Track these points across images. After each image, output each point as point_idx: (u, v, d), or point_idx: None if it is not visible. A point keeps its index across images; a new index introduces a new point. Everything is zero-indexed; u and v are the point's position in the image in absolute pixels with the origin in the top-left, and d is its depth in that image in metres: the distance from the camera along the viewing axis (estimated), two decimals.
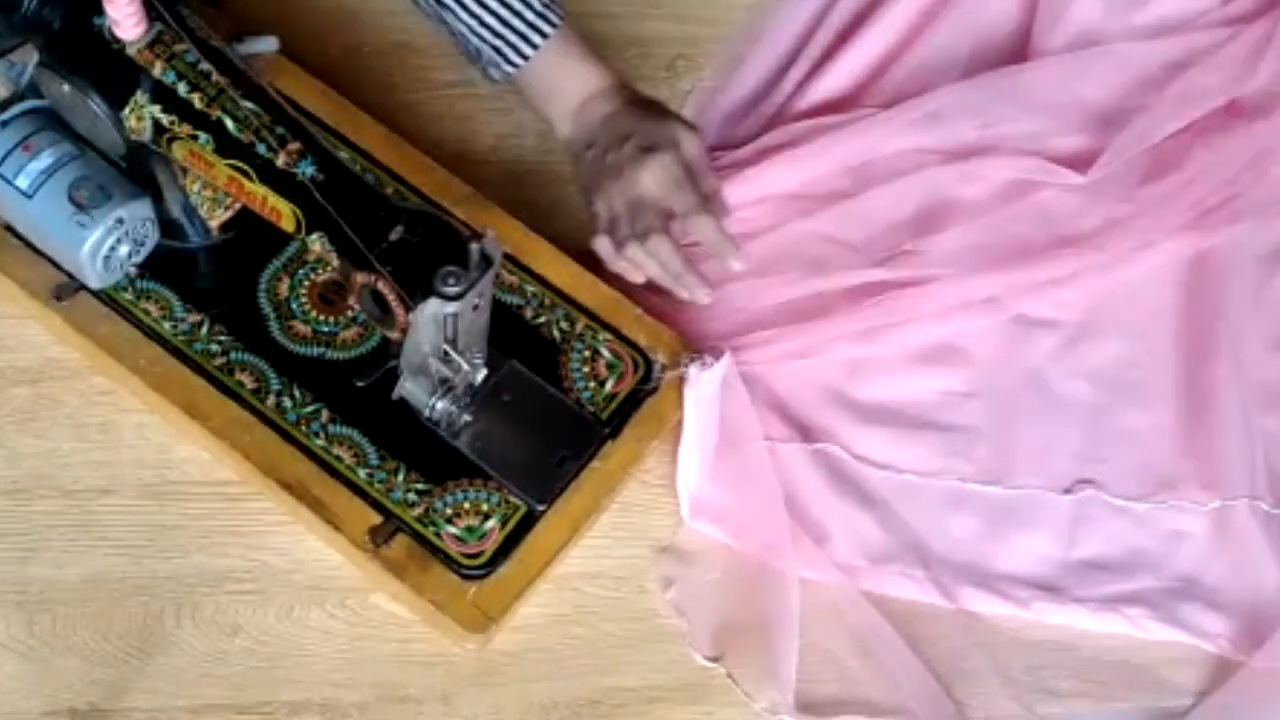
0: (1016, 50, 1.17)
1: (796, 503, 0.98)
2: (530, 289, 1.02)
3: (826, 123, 1.12)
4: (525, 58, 1.02)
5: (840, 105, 1.14)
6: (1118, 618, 0.96)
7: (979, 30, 1.17)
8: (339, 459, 0.95)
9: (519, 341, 0.99)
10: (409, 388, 0.91)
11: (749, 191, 1.08)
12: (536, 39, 1.01)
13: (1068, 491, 1.00)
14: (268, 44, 1.07)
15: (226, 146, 0.89)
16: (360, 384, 0.95)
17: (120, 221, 0.95)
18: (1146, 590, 0.97)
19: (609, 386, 0.99)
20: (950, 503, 1.00)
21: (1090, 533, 0.99)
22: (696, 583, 0.97)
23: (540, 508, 0.94)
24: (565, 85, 1.03)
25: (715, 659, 0.94)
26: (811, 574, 0.96)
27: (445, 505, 0.94)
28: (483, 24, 1.00)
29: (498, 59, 1.02)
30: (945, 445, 1.02)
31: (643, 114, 1.03)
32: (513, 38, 1.01)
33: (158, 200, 0.98)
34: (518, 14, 1.00)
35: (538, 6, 1.01)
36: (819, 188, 1.10)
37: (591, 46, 1.05)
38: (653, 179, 1.00)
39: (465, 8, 1.00)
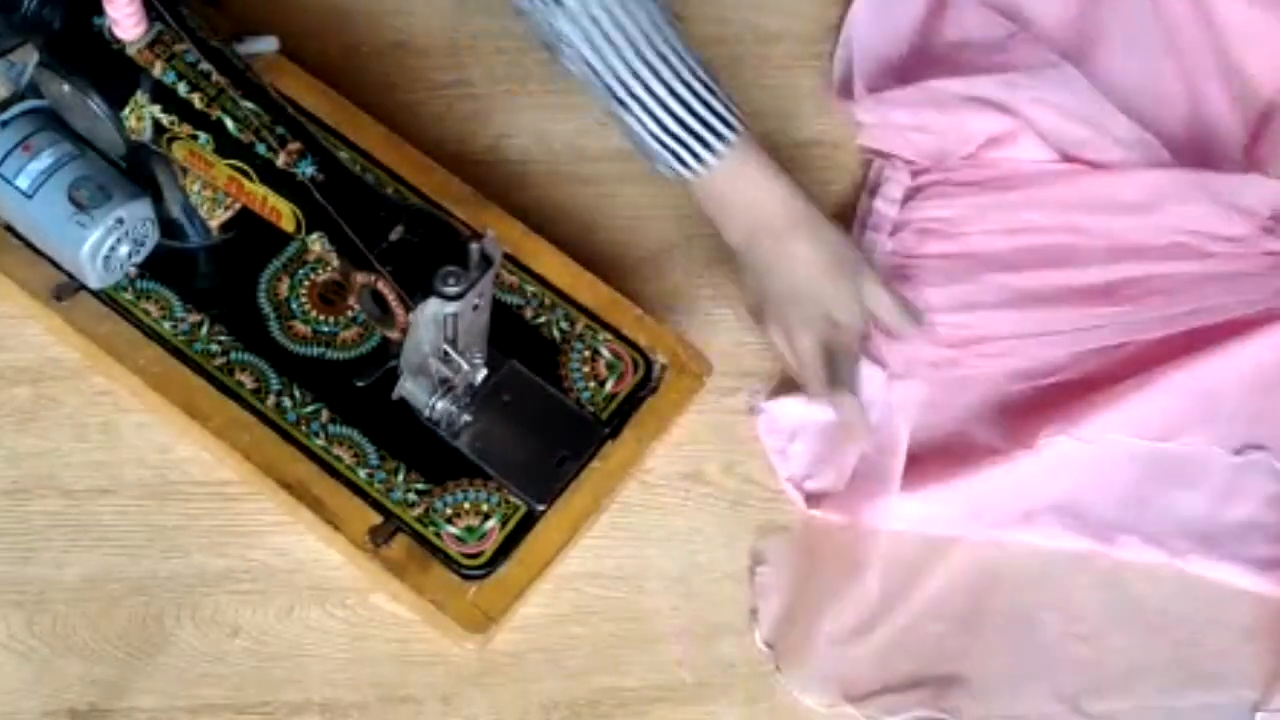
0: None
1: (961, 455, 1.01)
2: (530, 289, 1.02)
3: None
4: (703, 164, 0.93)
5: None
6: (1272, 578, 0.98)
7: None
8: (339, 459, 0.95)
9: (519, 341, 0.99)
10: (409, 388, 0.91)
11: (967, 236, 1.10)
12: (717, 145, 0.93)
13: (1237, 453, 1.02)
14: (268, 44, 1.07)
15: (226, 146, 0.89)
16: (360, 384, 0.95)
17: (120, 221, 0.95)
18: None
19: (609, 386, 0.99)
20: (1113, 456, 1.01)
21: (1249, 495, 1.01)
22: (782, 561, 0.98)
23: (540, 508, 0.94)
24: (740, 203, 0.96)
25: (770, 646, 0.95)
26: (953, 531, 0.98)
27: (445, 505, 0.94)
28: (659, 123, 0.92)
29: (673, 163, 0.94)
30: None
31: (822, 273, 0.96)
32: (691, 141, 0.93)
33: (158, 200, 0.98)
34: (697, 115, 0.92)
35: (719, 108, 0.92)
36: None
37: (772, 157, 0.96)
38: (813, 347, 0.98)
39: (642, 104, 0.92)
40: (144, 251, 0.99)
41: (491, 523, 0.93)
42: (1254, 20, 1.19)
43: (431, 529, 0.93)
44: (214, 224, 1.01)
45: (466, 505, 0.94)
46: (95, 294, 0.99)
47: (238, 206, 0.98)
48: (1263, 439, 1.03)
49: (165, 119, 0.90)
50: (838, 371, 0.98)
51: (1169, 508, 1.01)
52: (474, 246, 0.83)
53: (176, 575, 0.95)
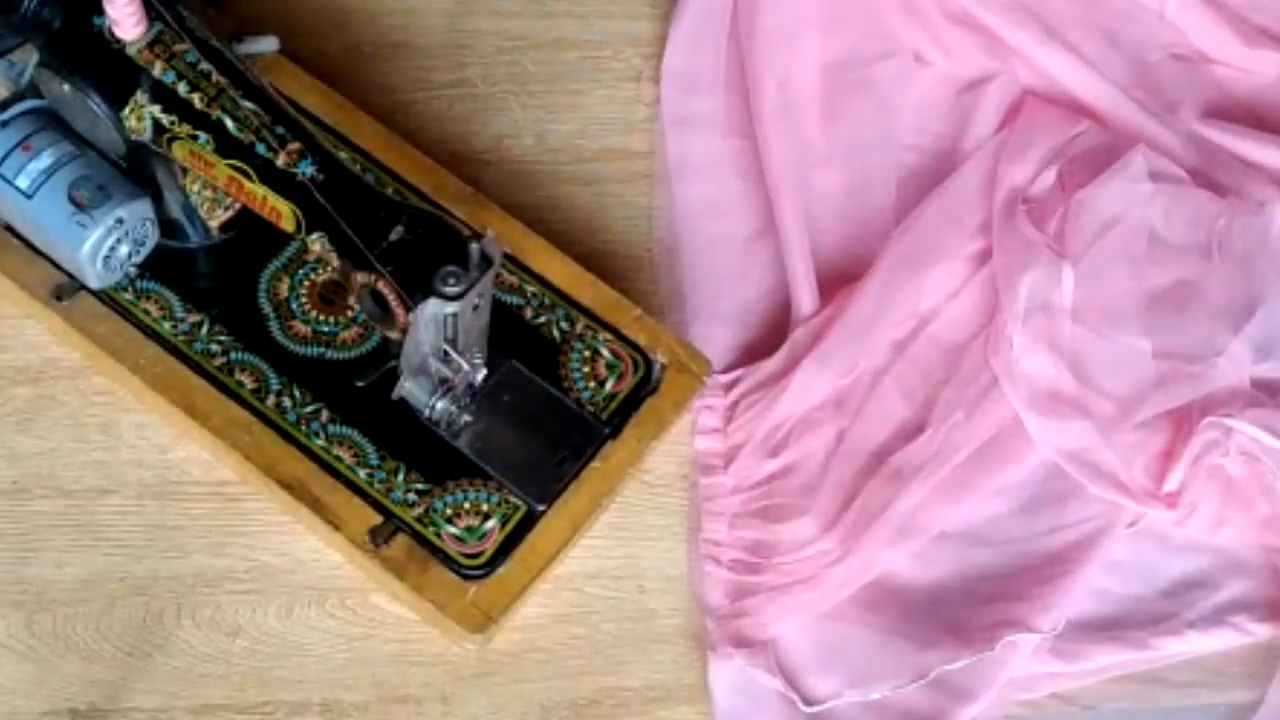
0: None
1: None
2: (530, 289, 1.02)
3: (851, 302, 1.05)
4: None
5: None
6: (1230, 631, 0.97)
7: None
8: (339, 459, 0.95)
9: (519, 341, 0.99)
10: (409, 388, 0.91)
11: (795, 404, 1.01)
12: None
13: (1130, 525, 1.00)
14: (268, 44, 1.07)
15: (226, 146, 0.89)
16: (360, 384, 0.95)
17: (120, 221, 0.95)
18: (1241, 594, 0.98)
19: (609, 386, 0.99)
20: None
21: (1165, 554, 1.00)
22: None
23: (540, 508, 0.94)
24: None
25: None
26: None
27: (445, 505, 0.94)
28: None
29: None
30: None
31: None
32: None
33: (158, 200, 0.98)
34: None
35: None
36: (859, 378, 1.03)
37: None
38: None
39: None
40: (144, 251, 0.99)
41: (491, 523, 0.93)
42: None
43: (431, 529, 0.93)
44: (214, 224, 1.01)
45: (466, 505, 0.94)
46: (95, 294, 0.99)
47: (238, 206, 0.98)
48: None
49: (165, 119, 0.90)
50: None
51: (1105, 595, 0.98)
52: (474, 246, 0.83)
53: (176, 575, 0.95)
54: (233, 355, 0.98)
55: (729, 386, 1.03)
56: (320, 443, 0.95)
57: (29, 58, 0.95)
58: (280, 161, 0.87)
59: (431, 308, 0.84)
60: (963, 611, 0.96)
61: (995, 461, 1.00)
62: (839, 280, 1.07)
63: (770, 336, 1.05)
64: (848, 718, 0.93)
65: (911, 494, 0.97)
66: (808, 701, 0.93)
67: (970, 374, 1.02)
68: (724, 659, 0.94)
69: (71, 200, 0.95)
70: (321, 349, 0.99)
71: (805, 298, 1.05)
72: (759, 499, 0.99)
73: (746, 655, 0.94)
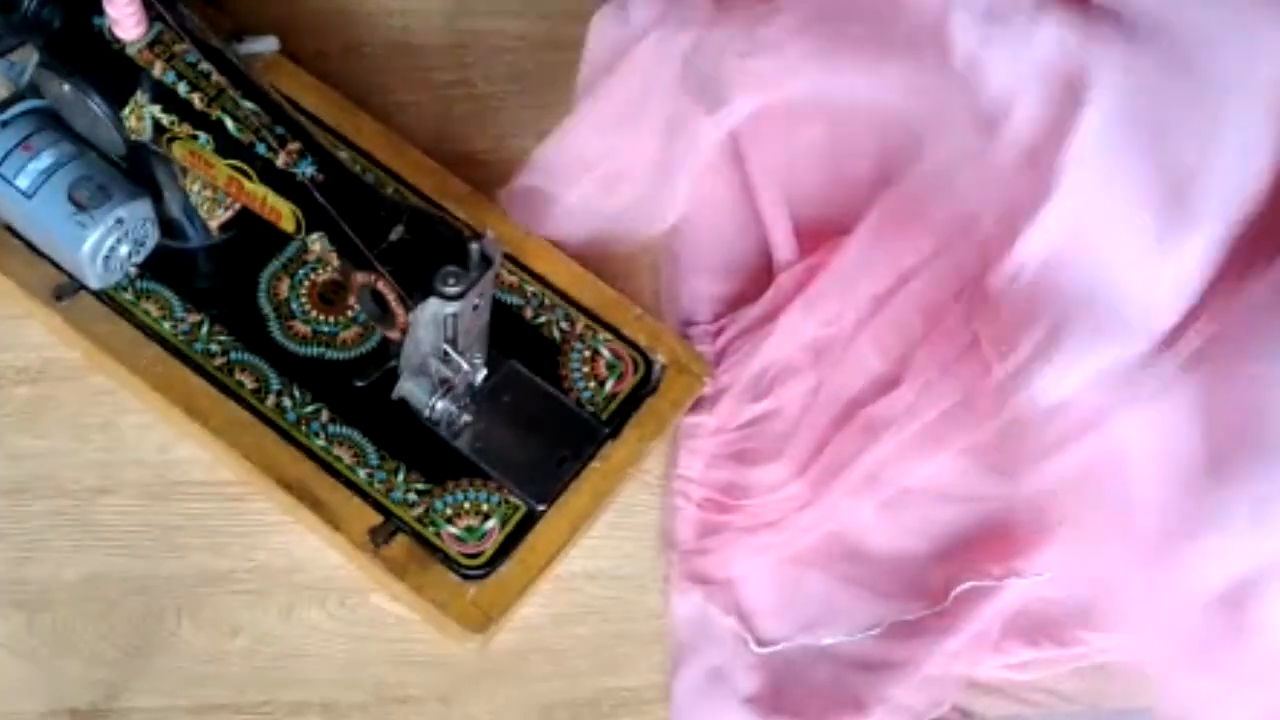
0: None
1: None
2: (530, 289, 1.02)
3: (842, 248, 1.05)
4: None
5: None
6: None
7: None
8: (339, 459, 0.95)
9: (519, 341, 0.99)
10: (409, 388, 0.91)
11: (780, 348, 1.02)
12: None
13: None
14: (268, 44, 1.07)
15: (226, 146, 0.89)
16: (360, 384, 0.95)
17: (120, 221, 0.95)
18: None
19: (609, 386, 0.99)
20: None
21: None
22: None
23: (540, 508, 0.94)
24: None
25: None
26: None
27: (445, 505, 0.94)
28: None
29: None
30: None
31: None
32: None
33: (158, 200, 0.98)
34: None
35: None
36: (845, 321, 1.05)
37: None
38: None
39: None
40: (144, 251, 0.99)
41: (491, 523, 0.93)
42: None
43: (431, 529, 0.93)
44: (214, 224, 1.01)
45: (466, 505, 0.94)
46: (95, 294, 0.99)
47: (238, 206, 0.98)
48: None
49: (165, 119, 0.90)
50: None
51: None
52: (474, 246, 0.83)
53: (176, 575, 0.95)
54: (233, 355, 0.98)
55: (716, 334, 1.04)
56: (320, 443, 0.95)
57: (29, 58, 0.95)
58: (280, 161, 0.87)
59: (431, 308, 0.84)
60: (924, 568, 0.97)
61: (966, 421, 1.00)
62: (818, 231, 1.07)
63: (759, 291, 1.06)
64: (802, 663, 0.94)
65: (881, 447, 0.98)
66: (760, 643, 0.94)
67: (947, 334, 1.03)
68: (684, 594, 0.95)
69: (71, 200, 0.95)
70: (321, 349, 0.99)
71: (782, 243, 1.06)
72: (738, 442, 1.01)
73: (705, 592, 0.95)
